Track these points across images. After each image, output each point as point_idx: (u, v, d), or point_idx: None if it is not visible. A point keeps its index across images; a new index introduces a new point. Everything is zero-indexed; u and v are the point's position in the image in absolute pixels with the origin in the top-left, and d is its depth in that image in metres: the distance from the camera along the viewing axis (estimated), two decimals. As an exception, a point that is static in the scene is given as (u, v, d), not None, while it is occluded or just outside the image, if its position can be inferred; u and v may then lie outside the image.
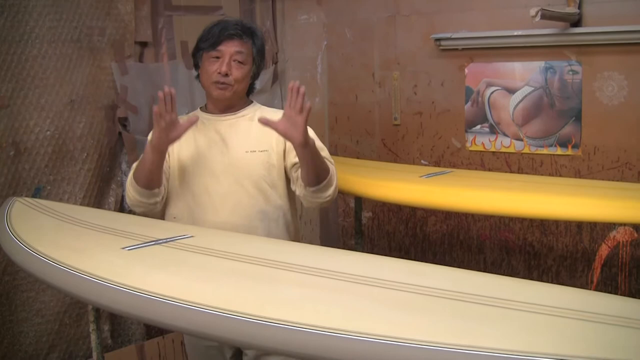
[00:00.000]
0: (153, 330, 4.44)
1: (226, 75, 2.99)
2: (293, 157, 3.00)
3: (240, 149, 3.02)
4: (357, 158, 4.66)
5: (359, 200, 3.79)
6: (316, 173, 2.88)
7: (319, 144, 2.98)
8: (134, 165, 3.02)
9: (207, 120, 3.09)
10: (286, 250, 2.45)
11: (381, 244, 4.71)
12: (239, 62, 3.01)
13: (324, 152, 3.06)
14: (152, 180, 2.92)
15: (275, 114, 3.07)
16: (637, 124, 3.78)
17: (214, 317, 1.82)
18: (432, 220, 4.52)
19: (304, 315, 1.70)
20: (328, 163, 2.97)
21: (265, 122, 2.78)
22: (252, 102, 3.18)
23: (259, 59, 3.11)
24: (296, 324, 1.66)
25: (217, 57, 3.00)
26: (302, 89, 2.73)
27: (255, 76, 3.14)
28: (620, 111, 3.82)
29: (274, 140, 3.02)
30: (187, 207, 3.04)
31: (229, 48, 3.01)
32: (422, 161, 4.47)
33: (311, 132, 2.93)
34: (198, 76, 3.13)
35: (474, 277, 2.01)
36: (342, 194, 3.92)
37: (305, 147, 2.77)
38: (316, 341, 1.63)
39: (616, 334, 1.52)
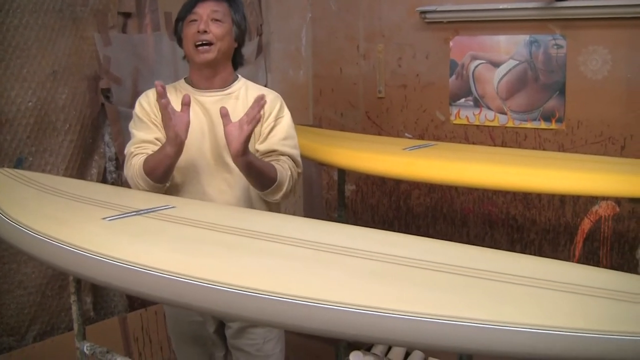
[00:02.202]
0: (136, 303, 4.44)
1: (205, 32, 2.94)
2: (265, 144, 2.99)
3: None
4: (341, 131, 4.64)
5: (342, 172, 3.78)
6: (256, 183, 2.86)
7: (288, 133, 2.99)
8: (140, 160, 2.91)
9: (192, 94, 3.05)
10: (266, 221, 2.44)
11: (365, 217, 4.71)
12: (217, 20, 2.96)
13: (292, 140, 3.05)
14: (169, 174, 2.88)
15: (260, 91, 3.05)
16: (620, 98, 3.78)
17: (194, 287, 1.81)
18: (416, 194, 4.52)
19: (283, 284, 1.70)
20: (277, 168, 2.91)
21: (224, 113, 2.74)
22: (238, 77, 3.13)
23: (238, 19, 3.06)
24: (275, 293, 1.66)
25: (195, 20, 2.96)
26: (263, 102, 2.70)
27: (239, 40, 3.08)
28: (604, 85, 3.82)
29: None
30: (175, 183, 3.02)
31: (205, 9, 2.95)
32: (406, 134, 4.46)
33: (285, 126, 2.96)
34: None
35: (450, 248, 2.01)
36: (325, 166, 3.93)
37: (239, 157, 2.73)
38: (294, 311, 1.62)
39: (594, 304, 1.52)
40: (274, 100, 3.03)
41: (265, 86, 3.15)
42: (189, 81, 3.09)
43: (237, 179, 2.97)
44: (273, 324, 1.71)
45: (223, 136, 2.88)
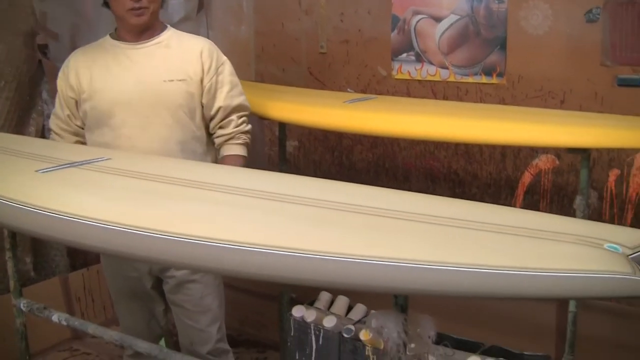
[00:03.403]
0: (77, 262, 4.41)
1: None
2: (211, 100, 2.99)
3: (158, 77, 2.95)
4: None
5: (283, 127, 3.76)
6: None
7: (232, 83, 3.04)
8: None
9: (120, 48, 3.00)
10: (202, 171, 2.43)
11: (307, 172, 4.70)
12: None
13: (237, 88, 3.08)
14: None
15: (192, 40, 3.03)
16: (560, 53, 3.80)
17: (130, 235, 1.80)
18: (358, 149, 4.52)
19: (217, 230, 1.69)
20: (243, 143, 3.16)
21: None
22: (166, 27, 3.09)
23: None
24: (210, 239, 1.65)
25: None
26: None
27: None
28: (545, 40, 3.83)
29: (191, 69, 2.98)
30: (105, 141, 2.98)
31: None
32: (348, 89, 4.45)
33: (228, 75, 3.08)
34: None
35: (385, 194, 2.02)
36: (267, 120, 3.91)
37: None
38: (230, 256, 1.61)
39: (519, 243, 1.54)
40: (210, 49, 3.03)
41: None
42: (115, 36, 3.04)
43: (170, 132, 2.95)
44: (210, 269, 1.71)
45: (154, 87, 2.87)
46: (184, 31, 3.17)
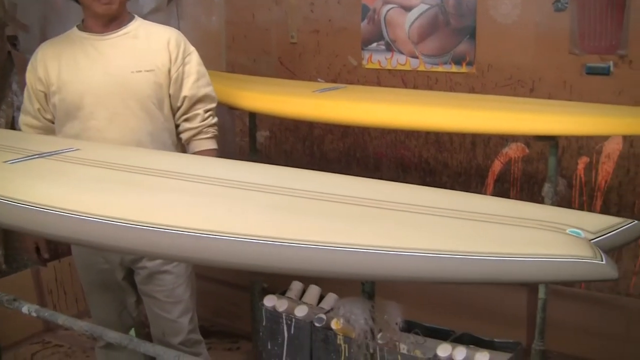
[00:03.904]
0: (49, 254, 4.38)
1: None
2: (178, 90, 2.99)
3: (126, 69, 2.94)
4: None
5: (253, 116, 3.76)
6: None
7: (199, 73, 3.05)
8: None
9: (87, 40, 2.99)
10: (172, 161, 2.43)
11: (279, 162, 4.67)
12: None
13: (205, 78, 3.08)
14: None
15: (160, 30, 3.03)
16: (529, 42, 3.82)
17: (100, 225, 1.78)
18: (330, 139, 4.52)
19: (187, 219, 1.69)
20: (211, 136, 3.16)
21: None
22: (134, 17, 3.08)
23: None
24: (178, 227, 1.64)
25: None
26: None
27: None
28: (514, 29, 3.86)
29: (159, 59, 2.97)
30: (74, 133, 2.97)
31: None
32: (319, 79, 4.45)
33: (195, 64, 3.06)
34: None
35: (354, 182, 2.03)
36: (237, 111, 3.90)
37: None
38: (197, 244, 1.61)
39: (490, 230, 1.55)
40: (178, 39, 3.02)
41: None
42: (82, 28, 3.03)
43: (139, 123, 2.94)
44: (181, 258, 1.71)
45: (121, 79, 2.86)
46: (154, 22, 3.16)
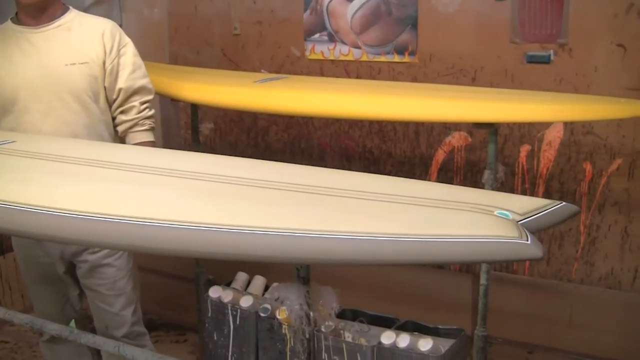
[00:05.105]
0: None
1: None
2: (113, 82, 2.97)
3: (59, 61, 2.91)
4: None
5: (195, 107, 3.75)
6: None
7: (135, 64, 3.00)
8: None
9: (21, 33, 2.95)
10: (106, 151, 2.42)
11: (223, 154, 4.69)
12: None
13: (140, 70, 3.05)
14: None
15: (94, 22, 3.00)
16: (471, 31, 3.86)
17: (37, 216, 1.77)
18: (274, 130, 4.52)
19: (120, 208, 1.68)
20: (148, 128, 3.11)
21: None
22: (68, 9, 3.04)
23: None
24: (106, 215, 1.64)
25: None
26: None
27: None
28: (455, 19, 3.89)
29: (93, 51, 2.94)
30: (11, 128, 2.93)
31: None
32: (262, 70, 4.45)
33: (130, 56, 3.02)
34: None
35: (282, 168, 2.05)
36: (180, 102, 3.89)
37: None
38: (131, 232, 1.61)
39: (421, 213, 1.56)
40: (112, 30, 2.99)
41: (121, 26, 3.08)
42: (16, 21, 2.99)
43: (75, 116, 2.92)
44: (106, 245, 1.69)
45: (56, 72, 2.83)
46: (96, 15, 3.13)
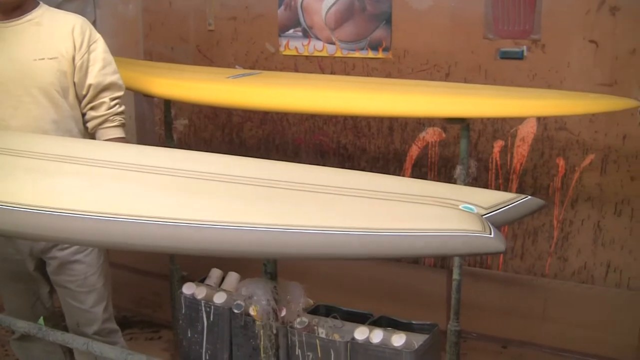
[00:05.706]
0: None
1: None
2: (83, 78, 2.95)
3: (28, 56, 2.88)
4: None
5: (168, 103, 3.73)
6: None
7: (105, 60, 2.99)
8: None
9: None
10: (75, 147, 2.40)
11: (198, 150, 4.69)
12: None
13: (111, 66, 3.03)
14: None
15: (65, 17, 2.98)
16: (445, 27, 3.87)
17: (3, 212, 1.76)
18: (248, 126, 4.52)
19: (88, 203, 1.68)
20: (119, 124, 3.07)
21: None
22: (39, 4, 3.02)
23: None
24: (78, 211, 1.63)
25: None
26: None
27: None
28: (429, 15, 3.89)
29: (63, 46, 2.92)
30: None
31: None
32: (237, 66, 4.44)
33: (100, 52, 2.97)
34: None
35: (246, 162, 2.05)
36: (153, 98, 3.88)
37: None
38: (97, 227, 1.60)
39: (387, 207, 1.56)
40: (83, 26, 2.97)
41: (94, 23, 3.06)
42: None
43: (43, 111, 2.89)
44: (75, 241, 1.68)
45: (24, 66, 2.81)
46: (70, 11, 3.11)
